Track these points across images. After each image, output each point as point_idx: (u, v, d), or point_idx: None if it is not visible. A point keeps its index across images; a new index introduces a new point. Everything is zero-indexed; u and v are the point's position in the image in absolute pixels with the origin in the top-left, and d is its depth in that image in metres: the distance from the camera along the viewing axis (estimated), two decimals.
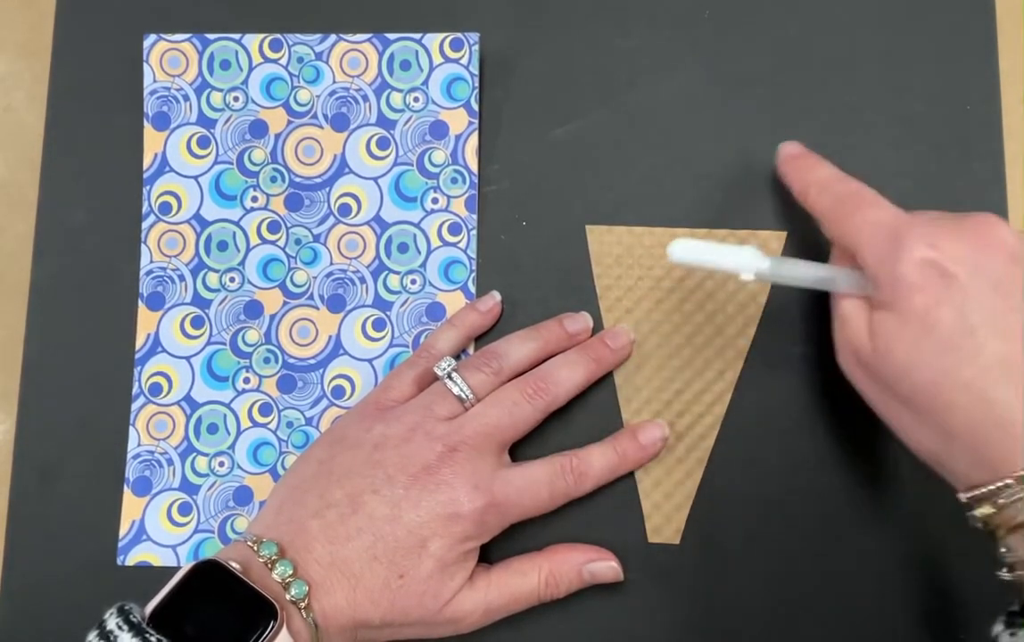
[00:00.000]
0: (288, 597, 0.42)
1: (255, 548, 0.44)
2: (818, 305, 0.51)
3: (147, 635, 0.39)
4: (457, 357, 0.52)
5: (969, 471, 0.40)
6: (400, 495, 0.45)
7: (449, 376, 0.49)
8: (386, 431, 0.47)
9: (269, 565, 0.43)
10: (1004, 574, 0.40)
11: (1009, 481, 0.38)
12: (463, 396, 0.48)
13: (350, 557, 0.44)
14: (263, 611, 0.41)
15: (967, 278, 0.40)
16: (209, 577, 0.42)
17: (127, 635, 0.39)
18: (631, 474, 0.52)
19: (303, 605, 0.43)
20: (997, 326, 0.39)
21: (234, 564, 0.42)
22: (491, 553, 0.50)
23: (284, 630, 0.41)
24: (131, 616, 0.40)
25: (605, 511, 0.51)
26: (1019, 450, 0.38)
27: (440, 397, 0.48)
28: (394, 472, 0.46)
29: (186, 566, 0.43)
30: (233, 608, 0.41)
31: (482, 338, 0.53)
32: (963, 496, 0.41)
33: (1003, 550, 0.40)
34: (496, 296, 0.53)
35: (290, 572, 0.43)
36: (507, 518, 0.47)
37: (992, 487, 0.39)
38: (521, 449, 0.50)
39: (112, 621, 0.40)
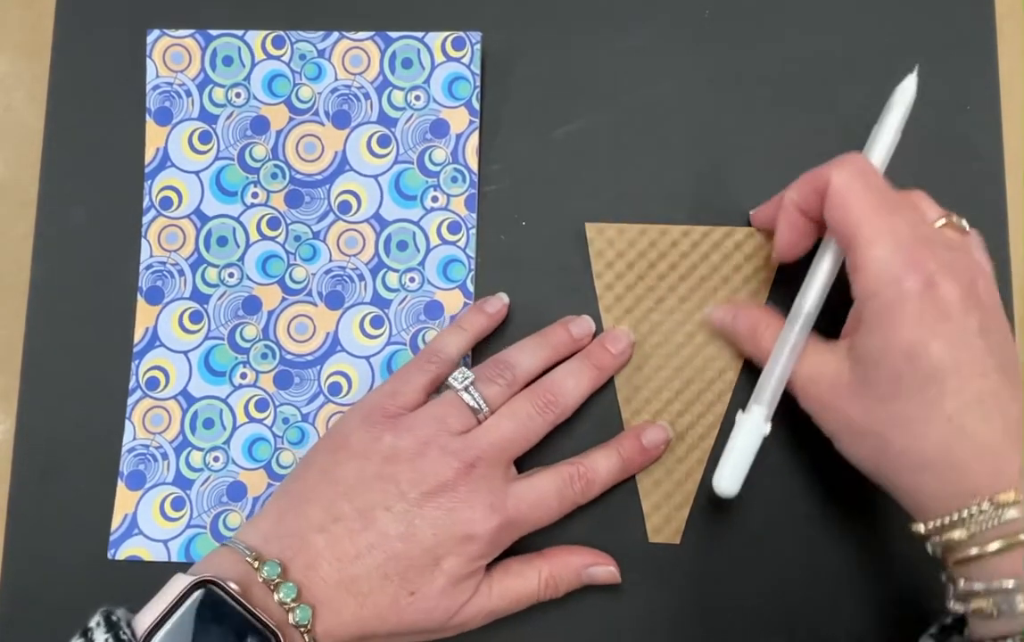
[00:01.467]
0: (290, 622, 0.42)
1: (255, 566, 0.42)
2: None
3: None
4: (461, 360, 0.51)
5: (935, 501, 0.40)
6: (414, 513, 0.44)
7: (466, 389, 0.47)
8: (397, 443, 0.46)
9: (271, 587, 0.42)
10: (956, 606, 0.41)
11: (984, 506, 0.39)
12: (479, 408, 0.47)
13: (359, 575, 0.43)
14: (264, 639, 0.40)
15: (959, 317, 0.40)
16: (207, 597, 0.41)
17: None
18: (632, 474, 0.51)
19: (304, 630, 0.42)
20: (977, 366, 0.40)
21: (233, 585, 0.41)
22: None
23: None
24: (120, 633, 0.39)
25: (606, 511, 0.51)
26: (994, 477, 0.39)
27: (454, 409, 0.47)
28: (408, 488, 0.45)
29: (182, 581, 0.41)
30: (231, 633, 0.40)
31: (482, 341, 0.53)
32: (923, 526, 0.41)
33: (961, 581, 0.40)
34: (504, 298, 0.53)
35: (293, 596, 0.42)
36: (518, 533, 0.47)
37: (963, 513, 0.39)
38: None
39: (100, 636, 0.40)
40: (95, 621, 0.40)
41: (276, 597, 0.42)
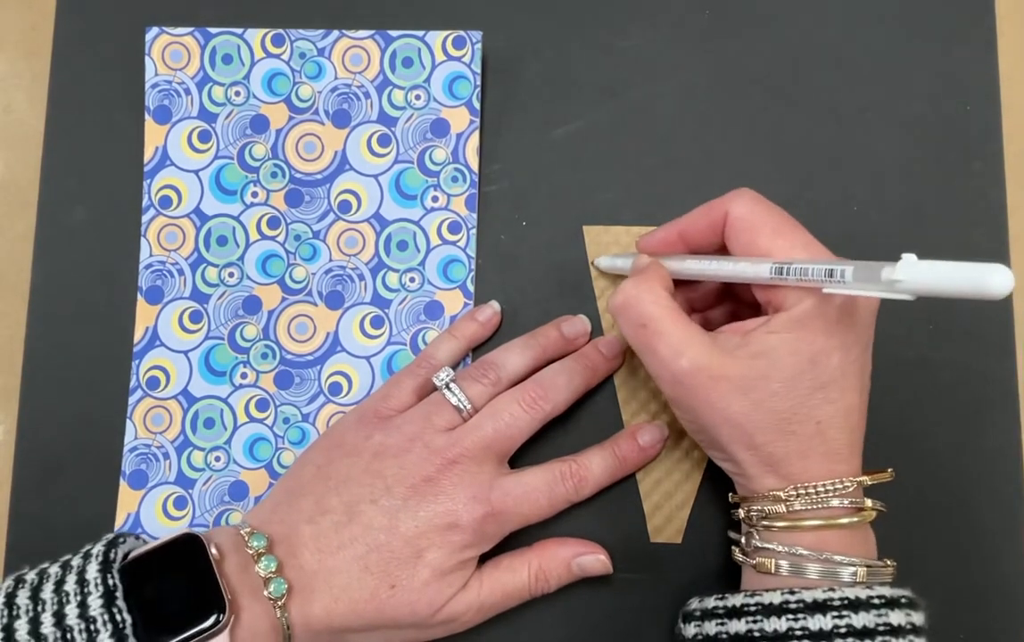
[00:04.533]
0: (266, 593, 0.43)
1: (246, 537, 0.44)
2: None
3: (115, 602, 0.40)
4: (456, 366, 0.52)
5: (767, 483, 0.43)
6: (398, 506, 0.45)
7: (447, 386, 0.48)
8: (385, 440, 0.47)
9: (255, 557, 0.44)
10: (740, 557, 0.45)
11: (811, 491, 0.42)
12: (461, 407, 0.48)
13: (338, 567, 0.44)
14: (217, 605, 0.41)
15: (861, 333, 0.43)
16: (187, 550, 0.43)
17: (96, 591, 0.40)
18: (632, 474, 0.51)
19: (279, 603, 0.43)
20: (856, 383, 0.43)
21: (214, 550, 0.43)
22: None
23: (226, 633, 0.41)
24: (111, 554, 0.41)
25: (606, 511, 0.51)
26: (829, 475, 0.42)
27: (438, 408, 0.48)
28: (393, 483, 0.46)
29: (177, 532, 0.43)
30: (192, 590, 0.42)
31: (481, 346, 0.53)
32: (747, 495, 0.45)
33: (756, 538, 0.44)
34: (495, 306, 0.53)
35: (273, 568, 0.43)
36: (506, 526, 0.47)
37: (789, 492, 0.42)
38: (520, 450, 0.50)
39: (98, 547, 0.42)
40: (107, 537, 0.43)
41: (257, 567, 0.43)
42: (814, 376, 0.41)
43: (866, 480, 0.43)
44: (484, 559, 0.48)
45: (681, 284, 0.47)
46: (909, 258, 0.36)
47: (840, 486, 0.42)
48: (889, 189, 0.53)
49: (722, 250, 0.46)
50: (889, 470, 0.44)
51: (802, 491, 0.42)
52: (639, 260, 0.48)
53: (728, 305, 0.51)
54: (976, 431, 0.52)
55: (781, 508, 0.42)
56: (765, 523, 0.43)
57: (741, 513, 0.45)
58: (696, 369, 0.42)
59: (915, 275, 0.35)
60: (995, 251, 0.53)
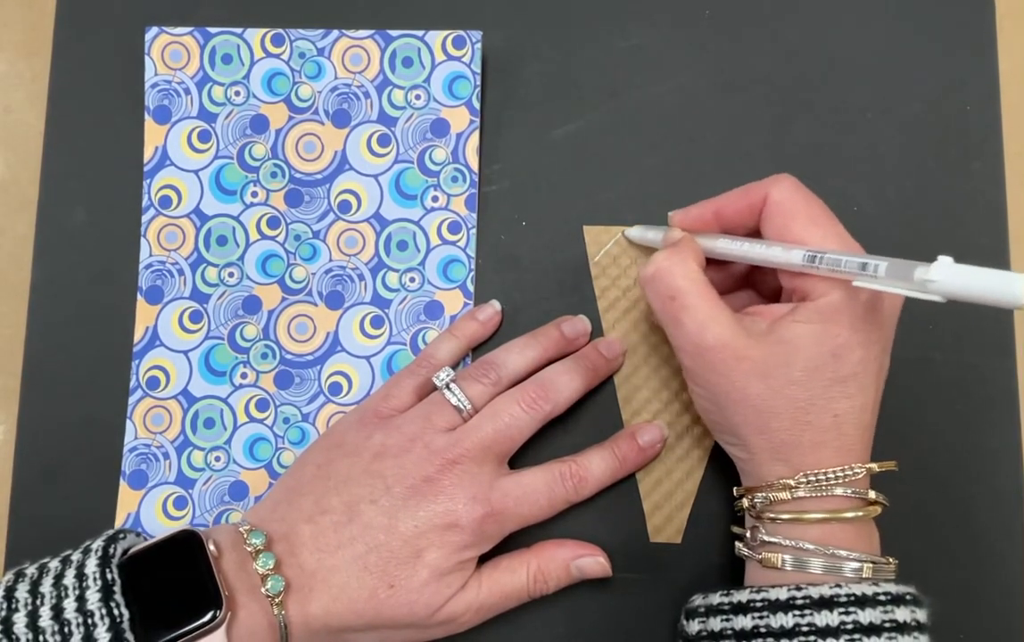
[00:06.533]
0: (263, 590, 0.43)
1: (245, 535, 0.44)
2: None
3: (113, 596, 0.40)
4: (456, 366, 0.52)
5: (776, 471, 0.44)
6: (398, 505, 0.45)
7: (447, 387, 0.48)
8: (385, 440, 0.47)
9: (253, 554, 0.44)
10: (745, 551, 0.45)
11: (820, 477, 0.43)
12: (461, 407, 0.48)
13: (337, 566, 0.44)
14: (214, 602, 0.41)
15: (884, 332, 0.44)
16: (185, 546, 0.43)
17: (95, 588, 0.40)
18: (632, 474, 0.51)
19: (276, 601, 0.43)
20: (874, 380, 0.43)
21: (211, 546, 0.43)
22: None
23: (222, 630, 0.41)
24: (110, 549, 0.42)
25: (606, 511, 0.51)
26: (841, 464, 0.43)
27: (439, 408, 0.48)
28: (393, 483, 0.46)
29: (175, 530, 0.44)
30: (190, 586, 0.42)
31: (481, 345, 0.53)
32: (753, 485, 0.45)
33: (763, 532, 0.44)
34: (495, 305, 0.53)
35: (271, 565, 0.43)
36: (506, 527, 0.47)
37: (798, 480, 0.43)
38: (521, 450, 0.50)
39: (97, 541, 0.42)
40: (107, 532, 0.43)
41: (255, 564, 0.44)
42: (835, 369, 0.42)
43: (874, 467, 0.43)
44: (483, 560, 0.48)
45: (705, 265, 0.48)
46: (945, 260, 0.35)
47: (849, 472, 0.42)
48: (889, 189, 0.53)
49: (754, 233, 0.47)
50: (893, 461, 0.44)
51: (812, 478, 0.42)
52: (672, 233, 0.48)
53: (747, 294, 0.51)
54: (976, 431, 0.52)
55: (786, 495, 0.43)
56: (770, 515, 0.43)
57: (745, 503, 0.45)
58: (720, 345, 0.43)
59: (949, 277, 0.35)
60: (995, 251, 0.52)
